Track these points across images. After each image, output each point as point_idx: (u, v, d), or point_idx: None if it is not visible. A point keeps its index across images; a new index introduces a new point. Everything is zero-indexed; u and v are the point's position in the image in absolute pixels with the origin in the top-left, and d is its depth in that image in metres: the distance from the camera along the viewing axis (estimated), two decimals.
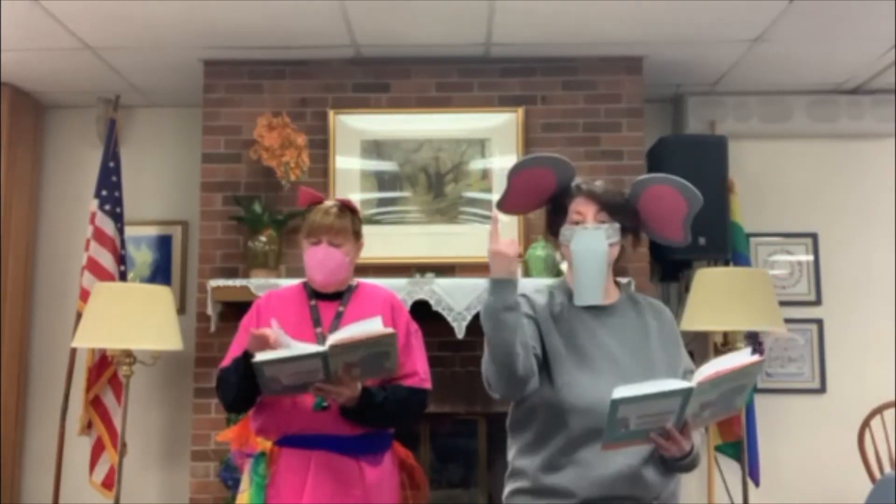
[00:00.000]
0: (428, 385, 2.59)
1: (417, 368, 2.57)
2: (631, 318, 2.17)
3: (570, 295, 2.16)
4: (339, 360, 2.30)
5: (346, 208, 2.64)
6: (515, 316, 1.97)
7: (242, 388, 2.43)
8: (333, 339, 2.29)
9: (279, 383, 2.35)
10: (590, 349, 2.09)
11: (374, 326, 2.31)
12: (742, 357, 1.89)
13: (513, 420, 2.21)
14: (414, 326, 2.65)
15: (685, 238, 2.23)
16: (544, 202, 2.23)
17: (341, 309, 2.58)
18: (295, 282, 2.75)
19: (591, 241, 2.07)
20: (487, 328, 1.98)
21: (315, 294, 2.61)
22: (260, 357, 2.29)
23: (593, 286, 2.06)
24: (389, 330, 2.32)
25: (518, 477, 2.15)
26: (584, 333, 2.11)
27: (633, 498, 2.05)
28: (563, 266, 2.27)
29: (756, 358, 1.89)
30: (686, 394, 1.83)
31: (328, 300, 2.60)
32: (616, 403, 1.79)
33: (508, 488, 2.18)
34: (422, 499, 2.76)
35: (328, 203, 2.64)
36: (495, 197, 3.90)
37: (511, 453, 2.20)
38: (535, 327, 2.11)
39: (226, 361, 2.57)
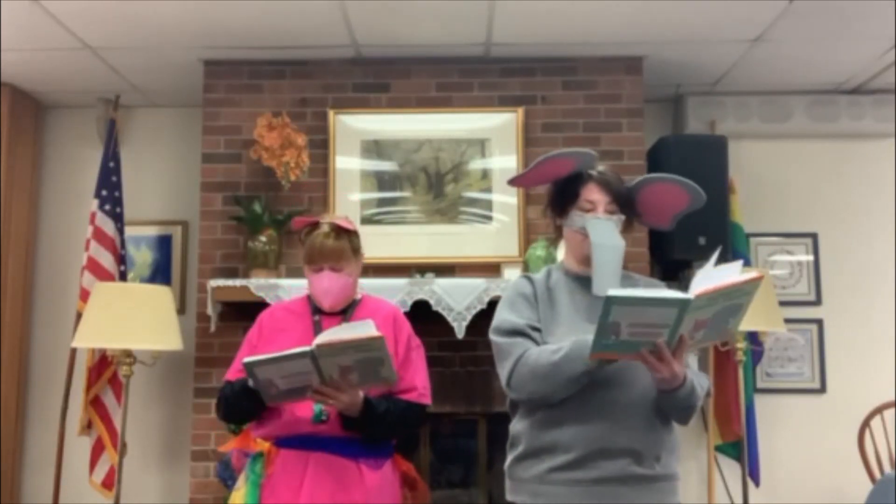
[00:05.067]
0: (427, 400, 2.59)
1: (416, 383, 2.56)
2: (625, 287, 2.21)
3: (566, 274, 2.22)
4: (330, 362, 2.30)
5: (342, 230, 2.59)
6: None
7: (243, 412, 2.53)
8: (320, 339, 2.30)
9: (276, 387, 2.36)
10: (584, 313, 2.13)
11: (362, 329, 2.30)
12: (733, 271, 1.85)
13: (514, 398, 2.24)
14: (416, 342, 2.64)
15: (671, 226, 2.29)
16: (553, 180, 2.26)
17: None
18: (300, 285, 2.74)
19: (610, 235, 2.10)
20: (565, 379, 2.03)
21: (319, 309, 2.62)
22: (248, 359, 2.33)
23: (613, 277, 2.08)
24: (376, 333, 2.29)
25: (517, 442, 2.18)
26: (580, 301, 2.16)
27: (633, 452, 2.05)
28: (559, 252, 2.31)
29: (755, 274, 1.86)
30: (683, 305, 1.78)
31: (331, 315, 2.60)
32: (610, 302, 1.76)
33: (509, 457, 2.21)
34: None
35: (324, 227, 2.58)
36: (496, 197, 3.94)
37: (512, 423, 2.24)
38: (535, 305, 2.18)
39: (230, 375, 2.59)
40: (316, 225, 2.61)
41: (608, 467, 2.04)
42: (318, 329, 2.55)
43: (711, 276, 1.82)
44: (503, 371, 2.15)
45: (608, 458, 2.04)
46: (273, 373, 2.32)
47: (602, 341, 1.84)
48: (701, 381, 2.10)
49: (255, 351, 2.51)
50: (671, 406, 2.06)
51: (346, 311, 2.62)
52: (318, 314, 2.60)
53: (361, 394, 2.40)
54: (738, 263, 1.88)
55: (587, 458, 2.04)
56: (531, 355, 2.08)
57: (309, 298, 2.66)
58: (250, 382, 2.37)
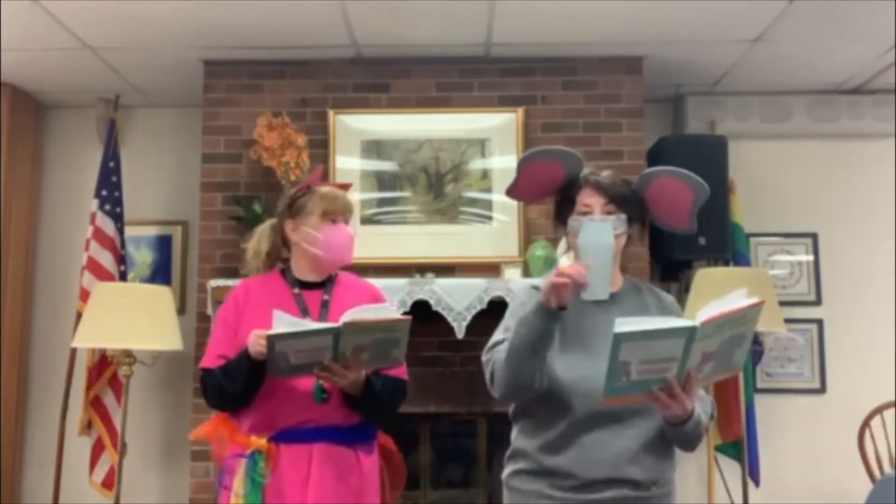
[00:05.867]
0: (407, 377, 2.61)
1: None
2: (633, 305, 2.19)
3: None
4: (350, 340, 2.29)
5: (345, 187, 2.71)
6: (550, 343, 2.04)
7: (247, 387, 2.42)
8: (348, 317, 2.27)
9: (286, 361, 2.31)
10: (592, 337, 2.11)
11: (389, 311, 2.33)
12: (740, 299, 1.85)
13: (516, 408, 2.24)
14: None
15: (691, 226, 2.25)
16: (552, 192, 2.24)
17: (326, 297, 2.55)
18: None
19: (598, 234, 2.07)
20: (519, 347, 2.03)
21: (298, 282, 2.57)
22: (272, 331, 2.26)
23: (600, 282, 2.05)
24: (406, 317, 2.33)
25: (518, 458, 2.19)
26: (587, 323, 2.14)
27: (631, 481, 2.07)
28: (564, 260, 2.27)
29: (755, 300, 1.86)
30: (689, 334, 1.78)
31: (311, 289, 2.57)
32: (619, 338, 1.75)
33: (509, 469, 2.21)
34: (398, 480, 2.75)
35: (333, 185, 2.69)
36: (495, 197, 3.94)
37: (513, 435, 2.24)
38: None
39: (208, 360, 2.53)
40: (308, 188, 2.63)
41: (607, 493, 2.07)
42: (300, 302, 2.52)
43: (716, 306, 1.84)
44: (487, 379, 2.15)
45: (608, 486, 2.07)
46: (291, 346, 2.29)
47: (613, 384, 1.82)
48: (706, 408, 2.11)
49: (232, 330, 2.48)
50: (678, 438, 2.07)
51: (325, 285, 2.59)
52: (298, 288, 2.56)
53: (363, 372, 2.40)
54: (743, 291, 1.88)
55: (588, 485, 2.07)
56: (501, 349, 2.11)
57: (283, 273, 2.61)
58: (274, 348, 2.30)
